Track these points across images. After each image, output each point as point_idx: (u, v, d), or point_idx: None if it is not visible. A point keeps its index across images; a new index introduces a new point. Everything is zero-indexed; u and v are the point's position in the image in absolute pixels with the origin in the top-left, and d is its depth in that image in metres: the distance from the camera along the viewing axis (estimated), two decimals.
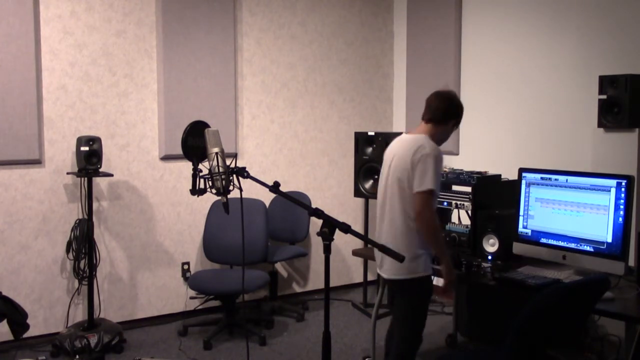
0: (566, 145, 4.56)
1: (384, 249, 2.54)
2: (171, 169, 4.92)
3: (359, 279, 5.79)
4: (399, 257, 2.46)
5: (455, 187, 3.96)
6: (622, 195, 3.06)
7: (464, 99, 5.35)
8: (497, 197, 3.83)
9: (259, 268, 4.90)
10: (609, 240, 3.08)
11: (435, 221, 3.07)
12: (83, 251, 4.42)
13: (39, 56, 4.34)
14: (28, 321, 3.76)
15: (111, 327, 4.35)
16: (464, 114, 3.33)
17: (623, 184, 3.06)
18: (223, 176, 2.68)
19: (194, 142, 3.01)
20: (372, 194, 5.10)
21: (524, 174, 3.51)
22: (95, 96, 4.58)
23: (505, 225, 3.56)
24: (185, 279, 5.00)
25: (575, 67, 4.51)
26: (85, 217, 4.40)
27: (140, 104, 4.76)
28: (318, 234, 2.44)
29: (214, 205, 4.90)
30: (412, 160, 3.04)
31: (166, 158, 4.87)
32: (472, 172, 3.94)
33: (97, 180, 4.56)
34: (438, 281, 3.48)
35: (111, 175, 4.48)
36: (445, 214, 4.07)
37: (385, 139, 4.96)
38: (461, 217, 4.46)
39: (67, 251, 4.48)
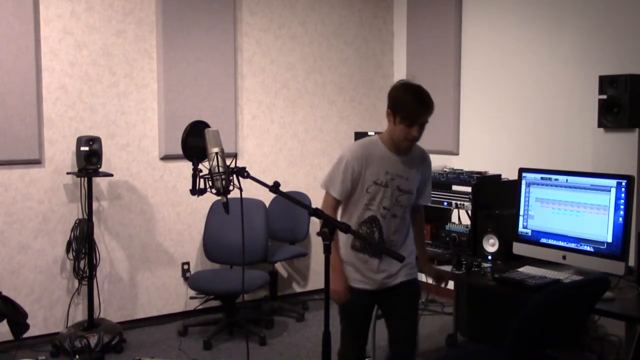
0: (566, 145, 4.55)
1: (383, 249, 2.56)
2: (171, 169, 4.92)
3: None
4: (398, 258, 2.47)
5: (455, 187, 3.96)
6: (622, 195, 3.06)
7: (464, 99, 5.36)
8: (497, 197, 3.83)
9: (259, 268, 4.90)
10: (609, 240, 3.08)
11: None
12: (83, 251, 4.42)
13: (39, 56, 4.34)
14: (28, 321, 3.76)
15: (111, 327, 4.35)
16: (411, 108, 2.72)
17: (623, 184, 3.06)
18: (223, 176, 2.67)
19: (194, 142, 3.01)
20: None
21: (524, 174, 3.51)
22: (95, 96, 4.58)
23: (505, 225, 3.56)
24: (185, 279, 5.00)
25: (575, 67, 4.51)
26: (85, 217, 4.40)
27: (140, 104, 4.76)
28: (318, 234, 2.44)
29: (214, 205, 4.90)
30: None
31: (166, 158, 4.87)
32: (472, 172, 3.94)
33: (97, 180, 4.56)
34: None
35: (111, 175, 4.48)
36: (445, 214, 4.08)
37: None
38: (461, 217, 4.47)
39: (67, 251, 4.48)
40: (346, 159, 2.82)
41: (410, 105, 2.72)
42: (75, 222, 4.48)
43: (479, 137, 5.23)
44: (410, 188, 2.91)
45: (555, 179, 3.35)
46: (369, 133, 5.14)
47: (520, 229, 3.50)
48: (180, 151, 3.28)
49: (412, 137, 2.76)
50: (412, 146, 2.88)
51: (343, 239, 2.90)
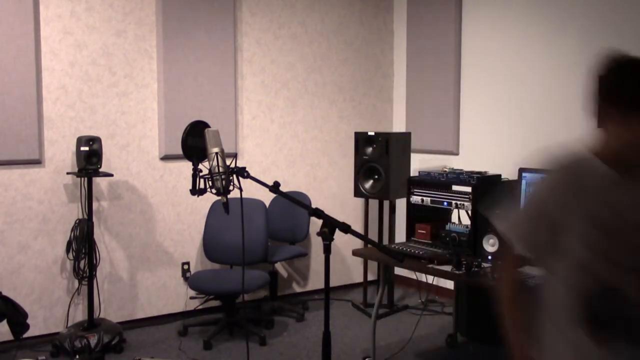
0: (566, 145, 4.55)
1: (383, 248, 2.55)
2: (171, 169, 4.93)
3: (359, 279, 5.79)
4: (398, 256, 2.46)
5: (455, 187, 3.96)
6: None
7: (464, 98, 5.36)
8: (497, 197, 3.82)
9: (259, 268, 4.90)
10: None
11: (503, 294, 1.94)
12: (83, 251, 4.42)
13: (39, 56, 4.34)
14: (28, 321, 3.76)
15: (111, 327, 4.35)
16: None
17: None
18: (223, 176, 2.68)
19: (194, 142, 3.02)
20: (372, 194, 5.11)
21: (524, 174, 3.51)
22: (95, 96, 4.58)
23: None
24: (185, 279, 5.00)
25: (575, 67, 4.51)
26: (85, 217, 4.40)
27: (140, 104, 4.76)
28: (318, 234, 2.44)
29: (214, 205, 4.90)
30: None
31: (166, 158, 4.87)
32: (472, 172, 3.94)
33: (97, 180, 4.57)
34: None
35: (111, 175, 4.48)
36: (445, 214, 4.08)
37: (386, 139, 4.96)
38: (461, 217, 4.46)
39: (67, 251, 4.48)
40: (538, 195, 1.83)
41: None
42: (75, 222, 4.48)
43: (479, 137, 5.23)
44: None
45: None
46: (369, 133, 5.14)
47: None
48: (180, 151, 3.28)
49: None
50: None
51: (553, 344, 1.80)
